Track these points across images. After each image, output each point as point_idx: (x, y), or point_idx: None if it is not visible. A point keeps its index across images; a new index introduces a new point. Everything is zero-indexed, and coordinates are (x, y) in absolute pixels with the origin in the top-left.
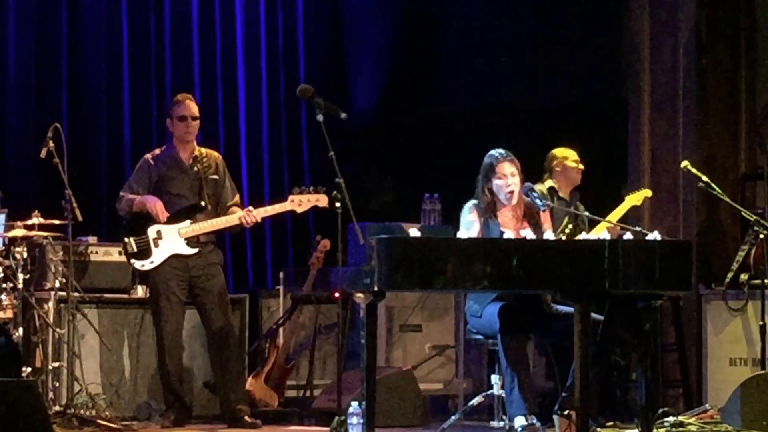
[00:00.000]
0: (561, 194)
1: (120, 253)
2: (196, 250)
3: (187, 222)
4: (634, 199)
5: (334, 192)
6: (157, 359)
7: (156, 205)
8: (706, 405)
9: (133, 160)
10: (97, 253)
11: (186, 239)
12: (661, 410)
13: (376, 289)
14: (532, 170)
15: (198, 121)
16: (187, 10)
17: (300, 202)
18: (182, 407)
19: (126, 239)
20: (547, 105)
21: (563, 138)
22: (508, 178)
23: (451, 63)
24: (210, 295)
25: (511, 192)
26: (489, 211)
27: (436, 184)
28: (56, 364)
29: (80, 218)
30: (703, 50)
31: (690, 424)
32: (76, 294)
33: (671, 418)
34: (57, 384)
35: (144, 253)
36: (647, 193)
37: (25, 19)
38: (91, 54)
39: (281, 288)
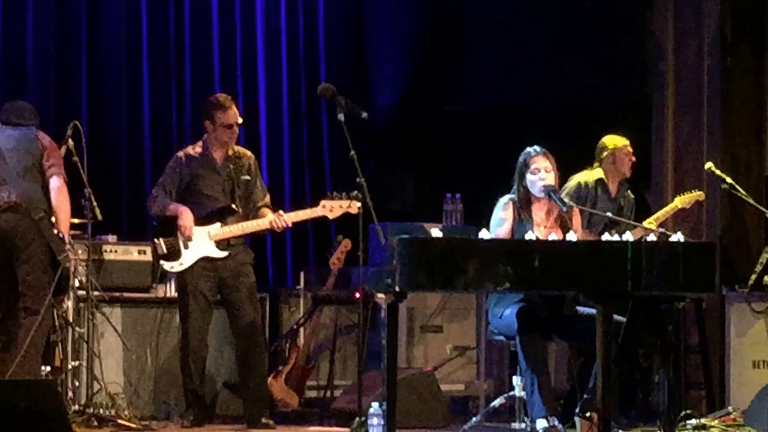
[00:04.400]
0: (609, 186)
1: (140, 252)
2: (225, 253)
3: (218, 224)
4: (683, 200)
5: (355, 192)
6: (181, 359)
7: (186, 227)
8: (729, 407)
9: (153, 157)
10: (117, 251)
11: (216, 242)
12: (683, 412)
13: (397, 289)
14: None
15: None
16: (207, 7)
17: (332, 208)
18: (202, 407)
19: (156, 240)
20: (569, 104)
21: (586, 138)
22: (541, 172)
23: (473, 61)
24: (238, 293)
25: (545, 186)
26: (524, 207)
27: (457, 184)
28: (76, 363)
29: (100, 217)
30: (727, 50)
31: (713, 426)
32: (96, 293)
33: (694, 421)
34: (76, 383)
35: (174, 254)
36: (700, 196)
37: (44, 16)
38: (110, 51)
39: (302, 288)
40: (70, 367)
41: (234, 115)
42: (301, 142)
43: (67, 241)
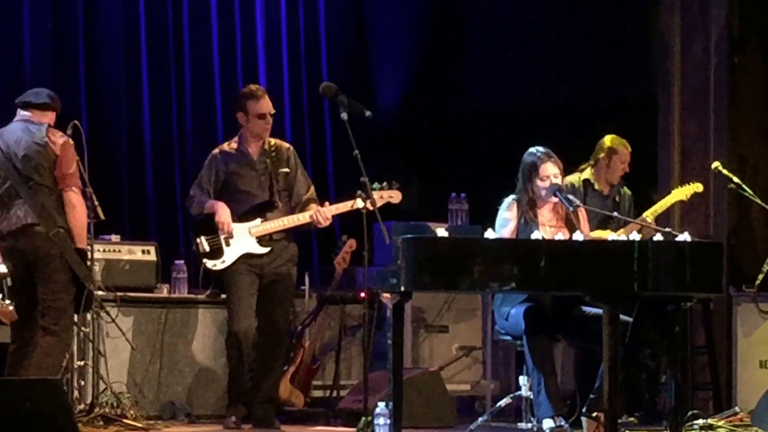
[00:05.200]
0: (597, 187)
1: (144, 252)
2: (268, 249)
3: (258, 220)
4: (682, 193)
5: (359, 191)
6: (230, 357)
7: (223, 222)
8: (736, 408)
9: (154, 157)
10: (120, 251)
11: (257, 238)
12: (690, 413)
13: (402, 289)
14: None
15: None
16: (206, 5)
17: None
18: (242, 407)
19: (198, 239)
20: (575, 103)
21: (592, 137)
22: (551, 179)
23: (477, 60)
24: (274, 292)
25: (551, 185)
26: (530, 207)
27: (462, 183)
28: (81, 363)
29: (102, 216)
30: (734, 48)
31: (719, 427)
32: (100, 292)
33: (701, 421)
34: (82, 383)
35: (216, 252)
36: (698, 187)
37: (41, 16)
38: (109, 50)
39: (307, 288)
40: (75, 366)
41: (267, 105)
42: (304, 142)
43: (87, 256)
